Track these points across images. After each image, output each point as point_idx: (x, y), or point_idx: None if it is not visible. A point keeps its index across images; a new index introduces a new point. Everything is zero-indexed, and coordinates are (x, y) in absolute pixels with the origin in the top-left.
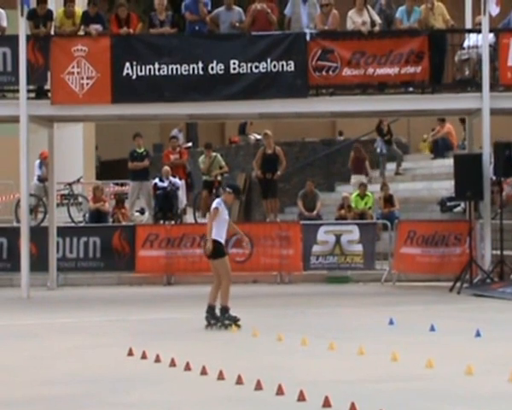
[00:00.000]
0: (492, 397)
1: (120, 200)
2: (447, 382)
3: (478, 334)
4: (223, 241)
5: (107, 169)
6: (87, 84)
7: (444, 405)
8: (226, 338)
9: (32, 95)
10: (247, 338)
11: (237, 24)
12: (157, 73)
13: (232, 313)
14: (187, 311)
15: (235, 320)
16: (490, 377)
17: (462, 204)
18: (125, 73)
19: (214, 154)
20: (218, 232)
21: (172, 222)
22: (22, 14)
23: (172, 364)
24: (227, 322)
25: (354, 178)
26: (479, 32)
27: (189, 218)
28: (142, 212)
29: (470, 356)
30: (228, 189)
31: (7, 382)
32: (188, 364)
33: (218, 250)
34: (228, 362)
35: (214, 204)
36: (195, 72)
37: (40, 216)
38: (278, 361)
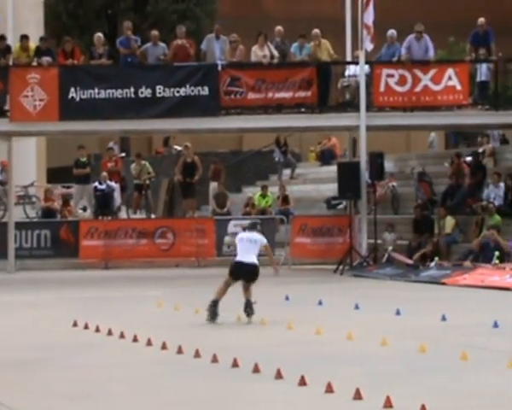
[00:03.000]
0: (368, 358)
1: (67, 200)
2: (333, 346)
3: (357, 307)
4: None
5: (55, 174)
6: (39, 105)
7: (330, 365)
8: (154, 311)
9: None
10: (172, 312)
11: (162, 57)
12: (97, 96)
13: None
14: (122, 290)
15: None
16: (366, 342)
17: (344, 202)
18: (70, 96)
19: (143, 162)
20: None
21: (109, 217)
22: None
23: (110, 333)
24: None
25: (212, 185)
26: (357, 63)
27: (123, 214)
28: (84, 209)
29: (351, 325)
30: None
31: None
32: (122, 333)
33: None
34: (155, 331)
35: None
36: (128, 95)
37: (0, 213)
38: (196, 331)
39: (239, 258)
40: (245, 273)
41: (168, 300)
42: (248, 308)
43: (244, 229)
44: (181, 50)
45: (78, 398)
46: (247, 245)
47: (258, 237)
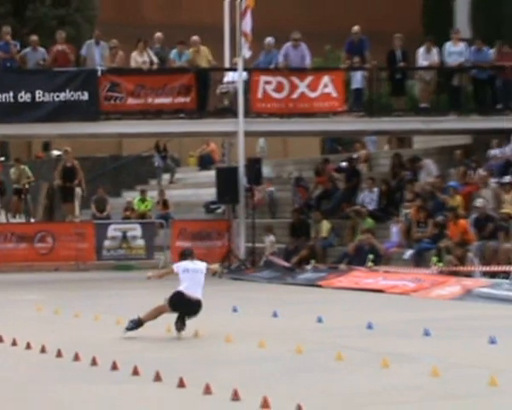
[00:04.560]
0: (246, 360)
1: None
2: (211, 348)
3: (235, 309)
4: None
5: None
6: None
7: (209, 367)
8: (33, 315)
9: None
10: (51, 315)
11: (41, 62)
12: None
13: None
14: (1, 293)
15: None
16: (244, 344)
17: (223, 207)
18: None
19: (23, 166)
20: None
21: None
22: None
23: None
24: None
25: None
26: (235, 70)
27: (1, 218)
28: None
29: (229, 327)
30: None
31: None
32: (0, 337)
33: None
34: (35, 335)
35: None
36: (7, 100)
37: None
38: (75, 334)
39: (183, 289)
40: (187, 308)
41: (47, 303)
42: (180, 322)
43: (183, 256)
44: (61, 56)
45: None
46: (194, 277)
47: (202, 265)
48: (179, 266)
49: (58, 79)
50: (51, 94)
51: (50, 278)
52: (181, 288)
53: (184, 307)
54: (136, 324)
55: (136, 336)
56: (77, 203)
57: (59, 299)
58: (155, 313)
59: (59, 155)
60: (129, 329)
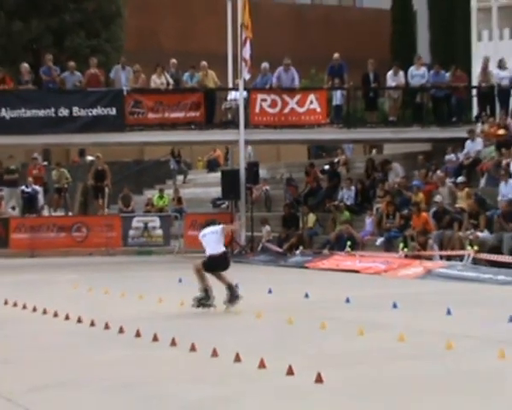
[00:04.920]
0: (246, 328)
1: None
2: (218, 319)
3: (237, 287)
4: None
5: None
6: None
7: (215, 334)
8: (71, 292)
9: None
10: (85, 292)
11: (77, 83)
12: (23, 115)
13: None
14: (45, 274)
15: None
16: (244, 315)
17: (227, 202)
18: (1, 116)
19: (62, 169)
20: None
21: (34, 215)
22: None
23: (34, 309)
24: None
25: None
26: (237, 90)
27: (45, 212)
28: (13, 208)
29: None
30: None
31: None
32: (45, 309)
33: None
34: (72, 307)
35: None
36: (49, 115)
37: None
38: (106, 307)
39: (210, 252)
40: (220, 265)
41: (82, 282)
42: (233, 294)
43: (203, 227)
44: (93, 78)
45: None
46: (211, 238)
47: (218, 227)
48: (200, 235)
49: (91, 98)
50: (85, 110)
51: (85, 262)
52: (207, 253)
53: (217, 265)
54: (204, 296)
55: (155, 309)
56: (105, 200)
57: (92, 279)
58: (200, 274)
59: (92, 160)
60: (200, 303)
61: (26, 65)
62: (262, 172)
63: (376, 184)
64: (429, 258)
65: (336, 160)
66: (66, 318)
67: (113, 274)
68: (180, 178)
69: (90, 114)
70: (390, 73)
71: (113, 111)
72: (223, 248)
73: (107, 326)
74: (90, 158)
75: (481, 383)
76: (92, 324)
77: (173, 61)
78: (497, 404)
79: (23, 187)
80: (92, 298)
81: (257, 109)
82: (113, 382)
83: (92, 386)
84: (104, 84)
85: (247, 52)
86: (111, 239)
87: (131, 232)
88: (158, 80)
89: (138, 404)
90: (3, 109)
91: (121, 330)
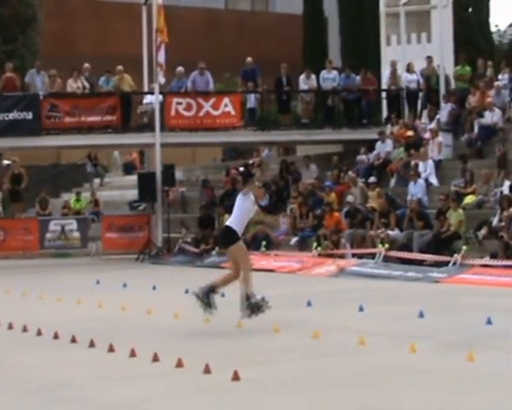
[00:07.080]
0: (164, 328)
1: None
2: (136, 319)
3: (154, 288)
4: (237, 229)
5: None
6: None
7: (134, 334)
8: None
9: None
10: (3, 295)
11: None
12: None
13: None
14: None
15: (258, 307)
16: (162, 315)
17: (143, 204)
18: None
19: None
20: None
21: None
22: None
23: None
24: (250, 311)
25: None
26: (152, 93)
27: None
28: None
29: (150, 302)
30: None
31: None
32: None
33: (228, 236)
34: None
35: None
36: None
37: None
38: (25, 309)
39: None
40: (220, 241)
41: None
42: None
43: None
44: (9, 82)
45: None
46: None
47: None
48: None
49: (7, 102)
50: (2, 114)
51: (1, 265)
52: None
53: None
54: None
55: (71, 311)
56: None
57: (9, 282)
58: (248, 278)
59: (8, 164)
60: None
61: None
62: (178, 175)
63: (290, 186)
64: (342, 256)
65: (251, 161)
66: None
67: (31, 277)
68: (97, 181)
69: (6, 118)
70: (302, 76)
71: (30, 115)
72: (227, 222)
73: (25, 329)
74: (6, 162)
75: (393, 377)
76: (10, 326)
77: (86, 65)
78: (409, 397)
79: None
80: (10, 301)
81: (172, 113)
82: (31, 385)
83: (9, 389)
84: (20, 89)
85: (162, 56)
86: (28, 242)
87: (49, 235)
88: (74, 84)
89: (57, 407)
90: None
91: (39, 333)
